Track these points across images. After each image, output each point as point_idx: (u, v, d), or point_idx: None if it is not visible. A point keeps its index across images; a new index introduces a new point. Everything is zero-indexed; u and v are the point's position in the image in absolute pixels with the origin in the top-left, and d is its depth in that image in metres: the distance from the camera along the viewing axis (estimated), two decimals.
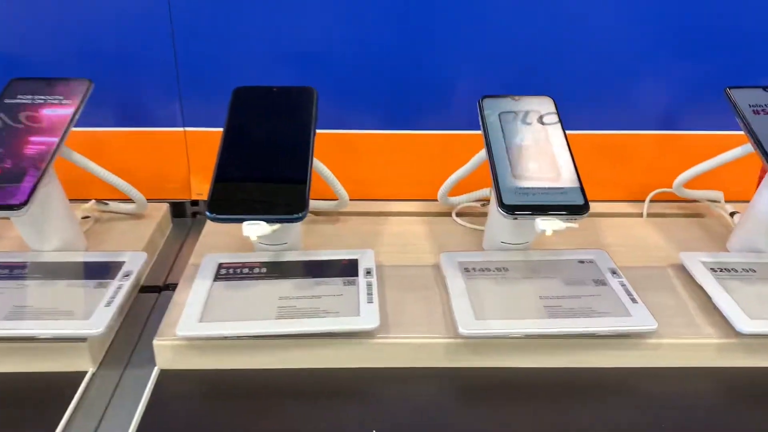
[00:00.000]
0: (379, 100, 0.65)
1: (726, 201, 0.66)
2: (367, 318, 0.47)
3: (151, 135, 0.67)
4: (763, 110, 0.55)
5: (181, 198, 0.70)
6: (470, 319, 0.47)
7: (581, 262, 0.55)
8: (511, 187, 0.49)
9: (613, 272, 0.53)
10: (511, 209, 0.48)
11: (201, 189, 0.69)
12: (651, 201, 0.67)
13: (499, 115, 0.55)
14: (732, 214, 0.63)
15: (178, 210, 0.70)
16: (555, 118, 0.55)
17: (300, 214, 0.47)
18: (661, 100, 0.66)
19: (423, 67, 0.63)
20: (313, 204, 0.64)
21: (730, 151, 0.57)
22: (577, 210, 0.48)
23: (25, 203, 0.48)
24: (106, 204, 0.64)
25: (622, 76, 0.65)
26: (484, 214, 0.64)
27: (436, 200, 0.63)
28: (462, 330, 0.46)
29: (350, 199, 0.64)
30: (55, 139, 0.53)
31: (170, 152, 0.68)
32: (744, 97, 0.56)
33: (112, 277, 0.52)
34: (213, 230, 0.61)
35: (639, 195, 0.68)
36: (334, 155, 0.65)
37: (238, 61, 0.63)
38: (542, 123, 0.54)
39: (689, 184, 0.63)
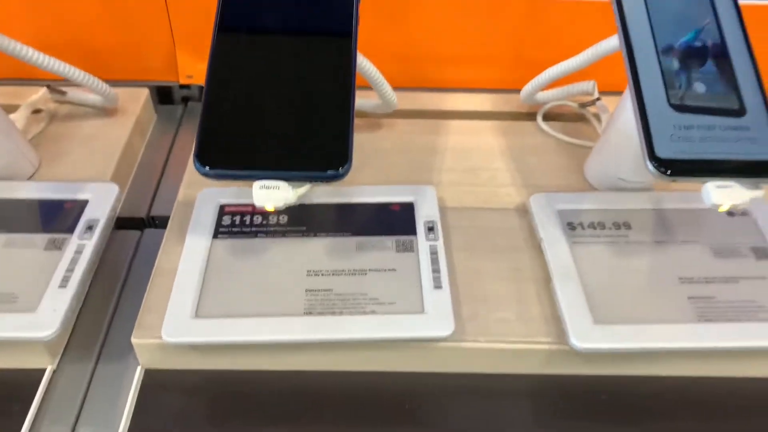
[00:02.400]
0: None
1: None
2: (437, 318, 0.32)
3: None
4: None
5: (167, 80, 0.52)
6: (586, 324, 0.32)
7: (731, 214, 0.39)
8: (666, 122, 0.31)
9: None
10: (667, 166, 0.30)
11: (191, 69, 0.51)
12: None
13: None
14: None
15: (163, 96, 0.53)
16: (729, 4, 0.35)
17: (341, 170, 0.30)
18: None
19: None
20: None
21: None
22: (760, 170, 0.31)
23: None
24: (64, 93, 0.47)
25: None
26: (582, 119, 0.47)
27: (516, 91, 0.46)
28: (576, 343, 0.32)
29: (397, 88, 0.46)
30: None
31: (146, 20, 0.48)
32: None
33: (70, 230, 0.36)
34: None
35: None
36: (374, 20, 0.46)
37: None
38: (710, 11, 0.35)
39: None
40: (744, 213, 0.39)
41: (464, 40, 0.49)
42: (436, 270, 0.35)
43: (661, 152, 0.31)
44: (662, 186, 0.40)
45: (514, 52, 0.49)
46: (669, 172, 0.30)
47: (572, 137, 0.45)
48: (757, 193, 0.31)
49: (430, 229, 0.37)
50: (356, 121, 0.46)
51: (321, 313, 0.32)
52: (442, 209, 0.40)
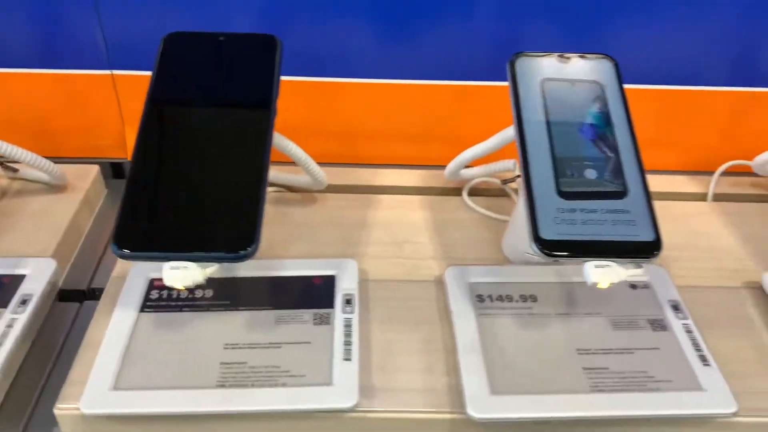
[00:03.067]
0: (369, 38, 0.49)
1: None
2: (343, 389, 0.34)
3: (70, 78, 0.51)
4: None
5: (117, 157, 0.55)
6: (483, 394, 0.34)
7: (633, 287, 0.41)
8: (551, 207, 0.34)
9: (675, 307, 0.40)
10: (549, 247, 0.33)
11: None
12: (720, 175, 0.52)
13: (540, 83, 0.39)
14: None
15: (117, 171, 0.56)
16: (616, 89, 0.39)
17: (247, 250, 0.32)
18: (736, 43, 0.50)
19: None
20: (282, 177, 0.49)
21: None
22: (645, 250, 0.34)
23: None
24: (15, 171, 0.49)
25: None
26: (505, 194, 0.50)
27: (443, 168, 0.49)
28: (472, 413, 0.33)
29: (331, 163, 0.49)
30: None
31: (96, 100, 0.52)
32: None
33: (3, 304, 0.38)
34: None
35: (706, 165, 0.53)
36: (311, 105, 0.50)
37: None
38: (600, 100, 0.38)
39: None
40: (645, 286, 0.41)
41: (396, 118, 0.52)
42: (347, 342, 0.37)
43: (545, 234, 0.33)
44: None
45: (443, 130, 0.53)
46: (551, 252, 0.33)
47: (494, 212, 0.48)
48: (636, 271, 0.34)
49: (348, 301, 0.39)
50: (290, 196, 0.49)
51: (233, 386, 0.34)
52: (366, 282, 0.42)
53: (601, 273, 0.33)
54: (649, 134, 0.53)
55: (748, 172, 0.51)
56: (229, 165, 0.35)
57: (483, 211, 0.48)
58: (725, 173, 0.52)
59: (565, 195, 0.34)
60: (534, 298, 0.40)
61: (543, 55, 0.40)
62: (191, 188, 0.34)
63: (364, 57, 0.50)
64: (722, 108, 0.53)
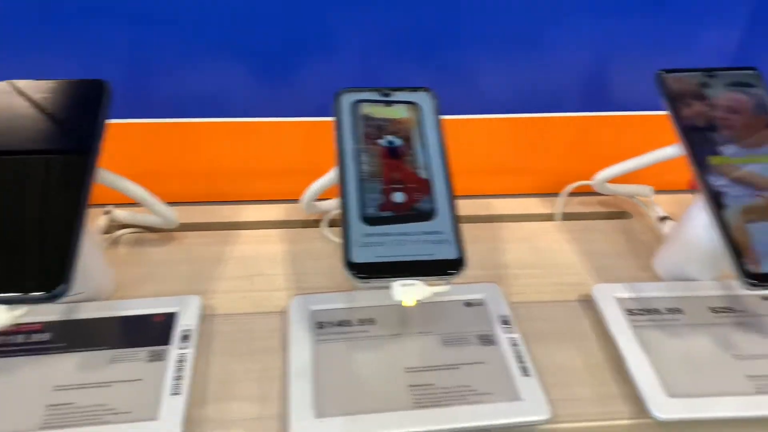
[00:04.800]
0: (225, 79, 0.50)
1: (657, 191, 0.54)
2: (168, 423, 0.35)
3: None
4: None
5: None
6: (307, 418, 0.35)
7: (468, 305, 0.43)
8: (361, 232, 0.36)
9: (505, 321, 0.41)
10: (359, 270, 0.35)
11: None
12: (570, 195, 0.55)
13: (359, 114, 0.41)
14: (662, 219, 0.51)
15: None
16: (433, 121, 0.41)
17: (56, 290, 0.33)
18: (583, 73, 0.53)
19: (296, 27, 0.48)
20: (135, 218, 0.49)
21: (667, 149, 0.44)
22: (448, 268, 0.35)
23: None
24: None
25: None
26: None
27: None
28: None
29: (191, 202, 0.50)
30: None
31: None
32: (680, 84, 0.43)
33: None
34: None
35: (556, 187, 0.56)
36: (171, 146, 0.51)
37: None
38: (415, 129, 0.40)
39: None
40: (480, 303, 0.43)
41: (256, 155, 0.54)
42: (178, 377, 0.37)
43: (355, 258, 0.35)
44: None
45: (304, 164, 0.54)
46: (361, 275, 0.34)
47: None
48: (444, 288, 0.36)
49: (185, 337, 0.40)
50: (148, 236, 0.50)
51: (58, 426, 0.34)
52: (212, 317, 0.43)
53: (408, 292, 0.34)
54: (504, 161, 0.57)
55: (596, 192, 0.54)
56: (43, 207, 0.36)
57: (339, 240, 0.50)
58: (574, 194, 0.55)
59: (373, 220, 0.36)
60: (372, 322, 0.41)
61: (365, 90, 0.42)
62: (5, 224, 0.35)
63: (221, 97, 0.52)
64: (569, 133, 0.56)
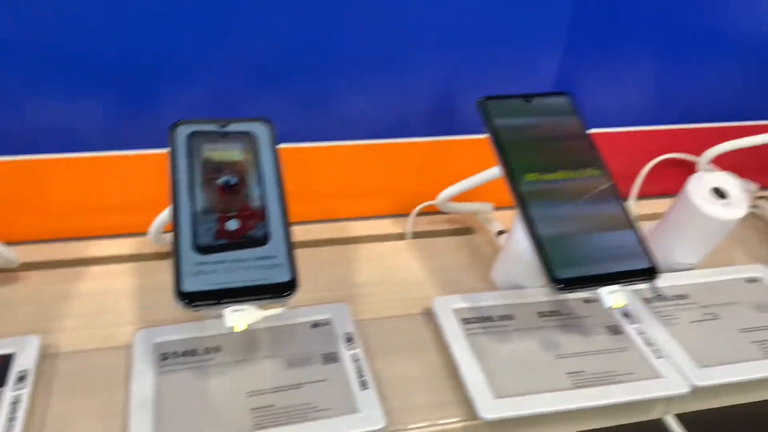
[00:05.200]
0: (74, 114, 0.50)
1: (498, 207, 0.58)
2: None
3: None
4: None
5: None
6: None
7: (315, 325, 0.45)
8: (192, 261, 0.37)
9: (349, 339, 0.43)
10: (189, 298, 0.35)
11: None
12: (418, 215, 0.58)
13: (193, 145, 0.42)
14: (499, 233, 0.55)
15: None
16: (269, 151, 0.43)
17: None
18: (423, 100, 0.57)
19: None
20: None
21: (494, 169, 0.48)
22: (280, 290, 0.37)
23: None
24: None
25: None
26: None
27: None
28: None
29: (39, 241, 0.49)
30: None
31: None
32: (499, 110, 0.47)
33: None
34: None
35: (407, 208, 0.59)
36: (17, 184, 0.50)
37: None
38: (251, 159, 0.42)
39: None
40: (327, 323, 0.45)
41: (104, 189, 0.53)
42: (12, 418, 0.36)
43: (187, 287, 0.36)
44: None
45: (157, 195, 0.54)
46: (191, 304, 0.35)
47: None
48: (278, 311, 0.37)
49: (21, 378, 0.39)
50: None
51: None
52: (56, 355, 0.42)
53: (238, 317, 0.35)
54: (360, 185, 0.59)
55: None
56: None
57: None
58: (426, 213, 0.58)
59: (206, 248, 0.37)
60: (218, 349, 0.42)
61: (201, 122, 0.43)
62: None
63: (64, 131, 0.51)
64: (418, 156, 0.59)
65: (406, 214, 0.58)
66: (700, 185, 0.48)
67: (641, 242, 0.41)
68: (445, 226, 0.59)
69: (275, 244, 0.38)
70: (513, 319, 0.46)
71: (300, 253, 0.53)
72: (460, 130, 0.59)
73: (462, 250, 0.56)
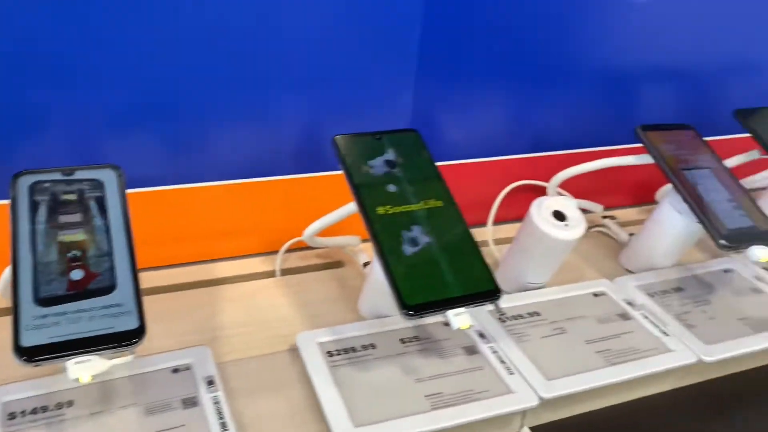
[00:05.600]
0: None
1: (365, 240, 0.60)
2: None
3: None
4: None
5: None
6: None
7: (175, 371, 0.44)
8: (32, 314, 0.36)
9: (210, 382, 0.43)
10: (28, 354, 0.34)
11: None
12: (288, 252, 0.59)
13: (37, 196, 0.41)
14: (365, 265, 0.57)
15: None
16: (117, 197, 0.42)
17: None
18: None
19: None
20: None
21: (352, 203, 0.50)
22: (127, 338, 0.36)
23: None
24: None
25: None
26: None
27: None
28: None
29: None
30: None
31: None
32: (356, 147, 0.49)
33: None
34: None
35: (277, 246, 0.59)
36: None
37: None
38: (98, 207, 0.41)
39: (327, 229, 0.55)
40: (187, 368, 0.44)
41: None
42: None
43: (25, 342, 0.35)
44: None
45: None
46: (31, 359, 0.34)
47: None
48: (126, 359, 0.37)
49: None
50: None
51: None
52: None
53: (81, 368, 0.35)
54: (227, 225, 0.59)
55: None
56: None
57: None
58: (295, 250, 0.59)
59: (48, 301, 0.36)
60: (71, 404, 0.41)
61: (46, 171, 0.42)
62: None
63: None
64: (285, 193, 0.60)
65: (276, 252, 0.59)
66: (541, 209, 0.52)
67: (485, 265, 0.44)
68: (315, 261, 0.60)
69: (122, 292, 0.38)
70: (376, 347, 0.47)
71: (164, 299, 0.53)
72: (326, 167, 0.61)
73: (331, 283, 0.57)
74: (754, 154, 0.66)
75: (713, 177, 0.57)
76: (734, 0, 0.68)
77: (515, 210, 0.67)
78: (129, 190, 0.43)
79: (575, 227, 0.52)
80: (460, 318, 0.41)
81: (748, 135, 0.64)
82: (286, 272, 0.58)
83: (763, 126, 0.64)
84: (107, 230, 0.40)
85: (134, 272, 0.39)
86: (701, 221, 0.53)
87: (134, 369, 0.44)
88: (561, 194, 0.65)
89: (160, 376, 0.43)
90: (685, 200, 0.54)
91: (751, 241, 0.52)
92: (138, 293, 0.38)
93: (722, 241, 0.51)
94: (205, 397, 0.42)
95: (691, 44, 0.69)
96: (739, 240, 0.52)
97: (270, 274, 0.58)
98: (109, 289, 0.38)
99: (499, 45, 0.61)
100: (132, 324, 0.37)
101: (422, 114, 0.61)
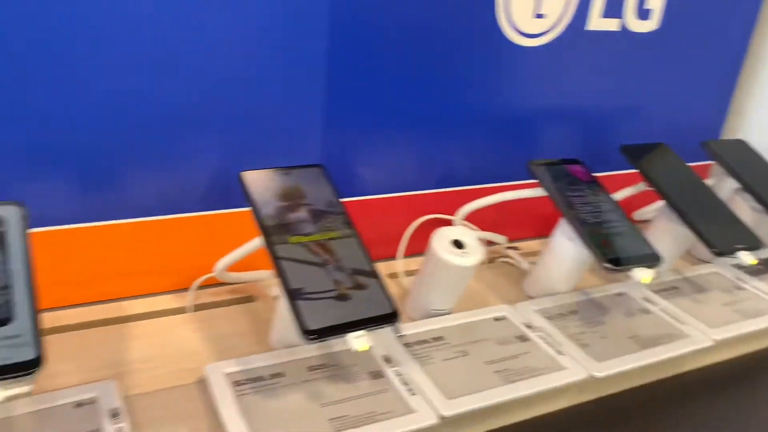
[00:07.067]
0: None
1: None
2: None
3: None
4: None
5: None
6: None
7: (79, 405, 0.44)
8: None
9: (114, 414, 0.43)
10: None
11: None
12: (201, 288, 0.60)
13: None
14: (275, 298, 0.58)
15: None
16: (19, 233, 0.43)
17: None
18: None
19: None
20: None
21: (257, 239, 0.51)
22: (24, 369, 0.37)
23: None
24: None
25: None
26: None
27: None
28: None
29: None
30: None
31: None
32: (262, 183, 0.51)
33: None
34: None
35: (189, 282, 0.60)
36: None
37: None
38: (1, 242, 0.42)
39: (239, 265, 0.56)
40: (91, 402, 0.44)
41: None
42: None
43: None
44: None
45: None
46: None
47: None
48: (25, 389, 0.37)
49: None
50: None
51: None
52: None
53: None
54: (137, 263, 0.59)
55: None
56: None
57: None
58: (208, 286, 0.60)
59: None
60: None
61: None
62: None
63: None
64: (196, 230, 0.61)
65: (188, 289, 0.60)
66: (441, 239, 0.55)
67: (384, 290, 0.47)
68: (228, 296, 0.61)
69: (20, 324, 0.38)
70: (284, 375, 0.49)
71: (74, 336, 0.53)
72: (239, 204, 0.62)
73: (243, 317, 0.58)
74: (641, 187, 0.71)
75: (600, 207, 0.62)
76: (618, 48, 0.75)
77: (425, 243, 0.70)
78: (39, 229, 0.44)
79: (473, 254, 0.55)
80: (359, 341, 0.44)
81: (634, 170, 0.70)
82: (199, 308, 0.59)
83: (647, 160, 0.70)
84: (5, 265, 0.41)
85: (33, 305, 0.39)
86: (588, 247, 0.57)
87: (36, 405, 0.43)
88: (465, 226, 0.68)
89: (63, 411, 0.43)
90: (574, 228, 0.59)
91: (634, 263, 0.57)
92: (36, 325, 0.38)
93: (606, 264, 0.56)
94: (109, 429, 0.42)
95: (580, 87, 0.75)
96: (622, 263, 0.57)
97: (181, 311, 0.58)
98: (6, 321, 0.38)
99: (404, 93, 0.65)
100: (29, 354, 0.37)
101: (334, 153, 0.64)
